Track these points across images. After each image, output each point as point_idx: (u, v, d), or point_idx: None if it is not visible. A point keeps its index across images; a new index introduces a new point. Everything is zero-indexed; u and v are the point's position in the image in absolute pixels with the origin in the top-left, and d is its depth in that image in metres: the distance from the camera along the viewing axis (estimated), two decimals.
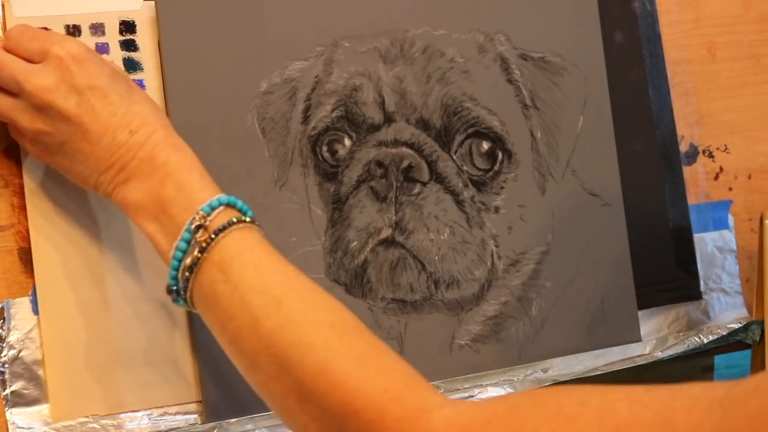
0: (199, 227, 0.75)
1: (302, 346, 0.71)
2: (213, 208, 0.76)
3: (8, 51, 0.81)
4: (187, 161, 0.78)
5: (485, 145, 0.96)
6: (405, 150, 0.93)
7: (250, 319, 0.73)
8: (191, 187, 0.77)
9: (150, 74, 0.89)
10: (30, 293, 0.85)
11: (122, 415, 0.86)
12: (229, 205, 0.77)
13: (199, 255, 0.75)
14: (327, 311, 0.74)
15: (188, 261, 0.75)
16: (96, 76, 0.79)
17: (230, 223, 0.76)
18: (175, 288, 0.77)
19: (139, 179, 0.78)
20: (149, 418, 0.87)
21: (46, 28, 0.86)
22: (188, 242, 0.76)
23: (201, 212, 0.76)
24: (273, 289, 0.74)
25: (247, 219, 0.77)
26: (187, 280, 0.76)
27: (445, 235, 0.93)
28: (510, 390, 0.95)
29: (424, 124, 0.94)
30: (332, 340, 0.72)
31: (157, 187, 0.77)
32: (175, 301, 0.78)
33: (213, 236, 0.75)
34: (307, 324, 0.73)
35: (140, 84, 0.89)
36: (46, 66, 0.79)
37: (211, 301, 0.75)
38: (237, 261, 0.75)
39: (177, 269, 0.76)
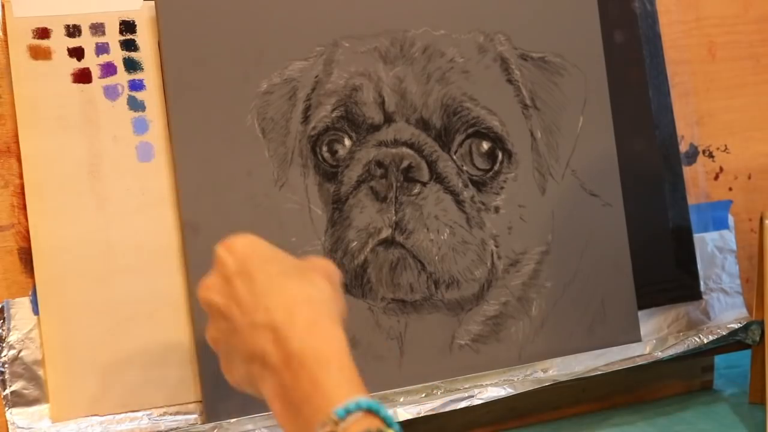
0: None
1: None
2: (349, 412, 0.64)
3: None
4: (324, 349, 0.67)
5: (485, 145, 0.96)
6: (405, 150, 0.93)
7: None
8: (326, 384, 0.66)
9: (150, 74, 0.89)
10: (30, 293, 0.85)
11: (122, 415, 0.86)
12: (370, 411, 0.64)
13: None
14: None
15: None
16: (247, 260, 0.72)
17: None
18: None
19: (273, 370, 0.68)
20: (149, 418, 0.87)
21: (46, 29, 0.86)
22: None
23: (334, 416, 0.64)
24: None
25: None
26: None
27: (445, 235, 0.93)
28: (510, 390, 0.95)
29: (424, 124, 0.94)
30: None
31: (289, 381, 0.67)
32: None
33: None
34: None
35: (140, 84, 0.89)
36: (213, 269, 0.74)
37: None
38: None
39: None
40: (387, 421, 0.64)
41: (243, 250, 0.73)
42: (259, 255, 0.73)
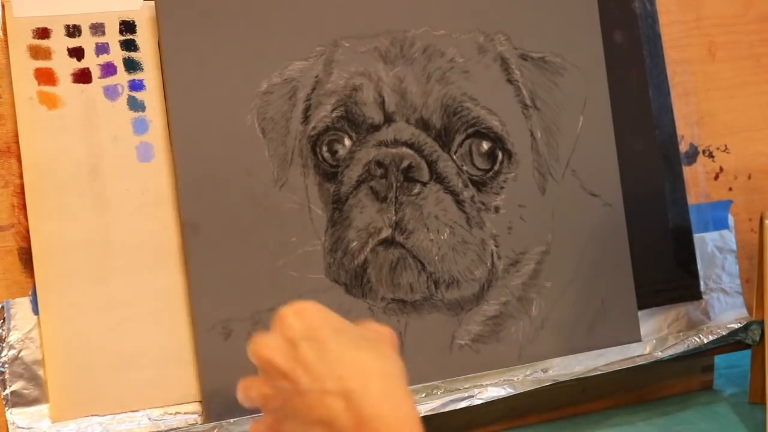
0: None
1: None
2: None
3: None
4: (397, 418, 0.68)
5: (485, 145, 0.96)
6: (405, 150, 0.93)
7: None
8: None
9: (150, 74, 0.89)
10: (30, 293, 0.85)
11: (122, 415, 0.86)
12: None
13: None
14: None
15: None
16: (316, 327, 0.72)
17: None
18: None
19: None
20: (149, 418, 0.87)
21: (46, 29, 0.86)
22: None
23: None
24: None
25: None
26: None
27: (445, 235, 0.93)
28: (510, 390, 0.95)
29: (424, 124, 0.94)
30: None
31: None
32: None
33: None
34: None
35: (140, 84, 0.89)
36: (273, 328, 0.74)
37: None
38: None
39: None
40: None
41: (311, 316, 0.73)
42: (329, 323, 0.73)
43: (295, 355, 0.71)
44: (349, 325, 0.74)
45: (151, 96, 0.89)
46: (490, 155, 0.96)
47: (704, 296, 1.05)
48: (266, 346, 0.72)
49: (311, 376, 0.70)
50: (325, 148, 0.93)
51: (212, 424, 0.88)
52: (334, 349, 0.70)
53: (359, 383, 0.69)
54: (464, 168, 0.95)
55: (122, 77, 0.89)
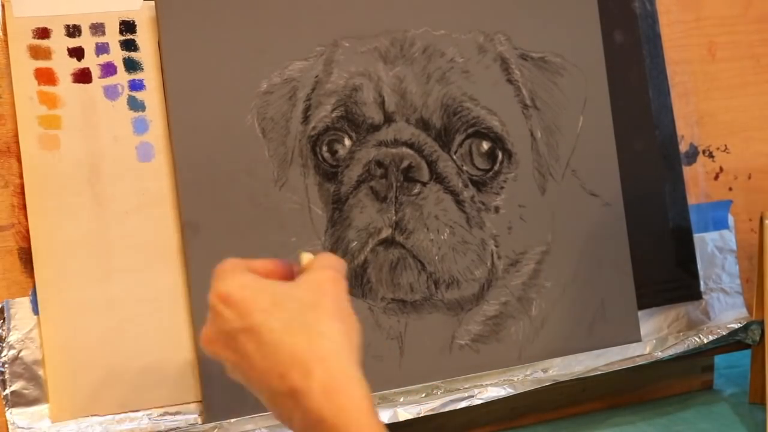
0: None
1: None
2: None
3: None
4: (343, 414, 0.67)
5: (485, 145, 0.96)
6: (405, 150, 0.93)
7: None
8: None
9: (150, 74, 0.89)
10: (30, 293, 0.85)
11: (122, 415, 0.86)
12: None
13: None
14: None
15: None
16: (248, 314, 0.69)
17: None
18: None
19: (298, 428, 0.68)
20: (149, 418, 0.87)
21: (46, 29, 0.86)
22: None
23: None
24: None
25: None
26: None
27: (445, 235, 0.93)
28: (510, 390, 0.95)
29: (424, 124, 0.94)
30: None
31: None
32: None
33: None
34: None
35: (140, 84, 0.89)
36: (209, 317, 0.72)
37: None
38: None
39: None
40: None
41: (239, 300, 0.70)
42: (259, 302, 0.70)
43: (236, 347, 0.69)
44: (279, 291, 0.71)
45: (151, 96, 0.89)
46: (490, 155, 0.96)
47: (704, 296, 1.05)
48: (208, 340, 0.71)
49: (257, 372, 0.69)
50: (325, 148, 0.93)
51: (212, 424, 0.88)
52: (268, 340, 0.68)
53: (300, 378, 0.67)
54: (464, 168, 0.95)
55: (122, 77, 0.89)
